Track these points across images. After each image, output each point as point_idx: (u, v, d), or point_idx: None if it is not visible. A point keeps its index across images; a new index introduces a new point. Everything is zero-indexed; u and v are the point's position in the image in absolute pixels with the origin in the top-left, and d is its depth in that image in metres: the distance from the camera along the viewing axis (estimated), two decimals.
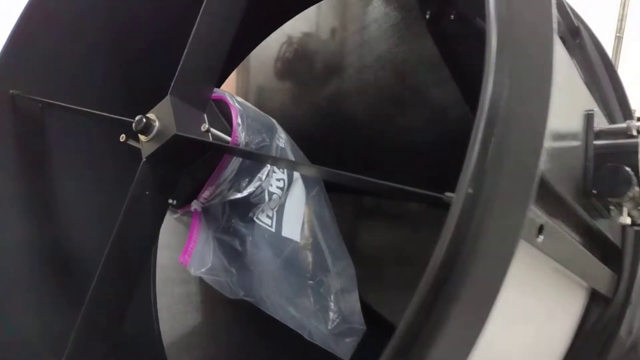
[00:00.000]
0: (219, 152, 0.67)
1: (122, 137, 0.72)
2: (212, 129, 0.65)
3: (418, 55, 1.18)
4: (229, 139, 0.66)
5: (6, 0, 0.82)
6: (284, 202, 0.74)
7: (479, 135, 0.35)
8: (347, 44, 1.25)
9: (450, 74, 1.16)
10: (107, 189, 0.98)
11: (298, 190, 0.76)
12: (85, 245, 0.91)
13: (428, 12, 1.10)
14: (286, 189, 0.73)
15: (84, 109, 0.76)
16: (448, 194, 0.38)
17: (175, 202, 0.69)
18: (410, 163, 1.20)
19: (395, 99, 1.28)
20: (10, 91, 0.79)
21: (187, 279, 1.05)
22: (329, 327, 0.81)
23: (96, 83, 0.93)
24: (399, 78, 1.24)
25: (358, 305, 0.86)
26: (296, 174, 0.76)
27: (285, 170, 0.74)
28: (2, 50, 0.79)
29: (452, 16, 1.05)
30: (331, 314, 0.83)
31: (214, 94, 0.71)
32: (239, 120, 0.68)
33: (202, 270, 0.63)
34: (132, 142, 0.73)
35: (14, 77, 0.80)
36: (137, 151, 0.71)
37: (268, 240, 0.70)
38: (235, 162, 0.67)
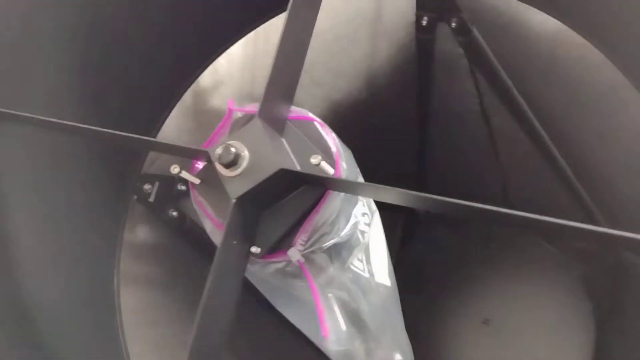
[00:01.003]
0: (322, 187, 0.55)
1: (175, 169, 0.56)
2: (322, 162, 0.53)
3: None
4: (331, 170, 0.55)
5: None
6: (369, 241, 0.63)
7: None
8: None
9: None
10: (60, 226, 0.78)
11: (378, 224, 0.66)
12: (44, 295, 0.72)
13: (425, 18, 1.04)
14: (370, 225, 0.63)
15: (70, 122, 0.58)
16: None
17: (259, 250, 0.55)
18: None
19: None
20: None
21: None
22: None
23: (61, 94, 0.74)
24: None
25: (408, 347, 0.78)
26: (373, 205, 0.66)
27: (365, 202, 0.64)
28: None
29: (453, 24, 1.00)
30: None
31: (291, 113, 0.59)
32: (334, 149, 0.57)
33: (342, 341, 0.50)
34: (186, 176, 0.58)
35: None
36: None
37: (365, 290, 0.59)
38: (338, 199, 0.55)
